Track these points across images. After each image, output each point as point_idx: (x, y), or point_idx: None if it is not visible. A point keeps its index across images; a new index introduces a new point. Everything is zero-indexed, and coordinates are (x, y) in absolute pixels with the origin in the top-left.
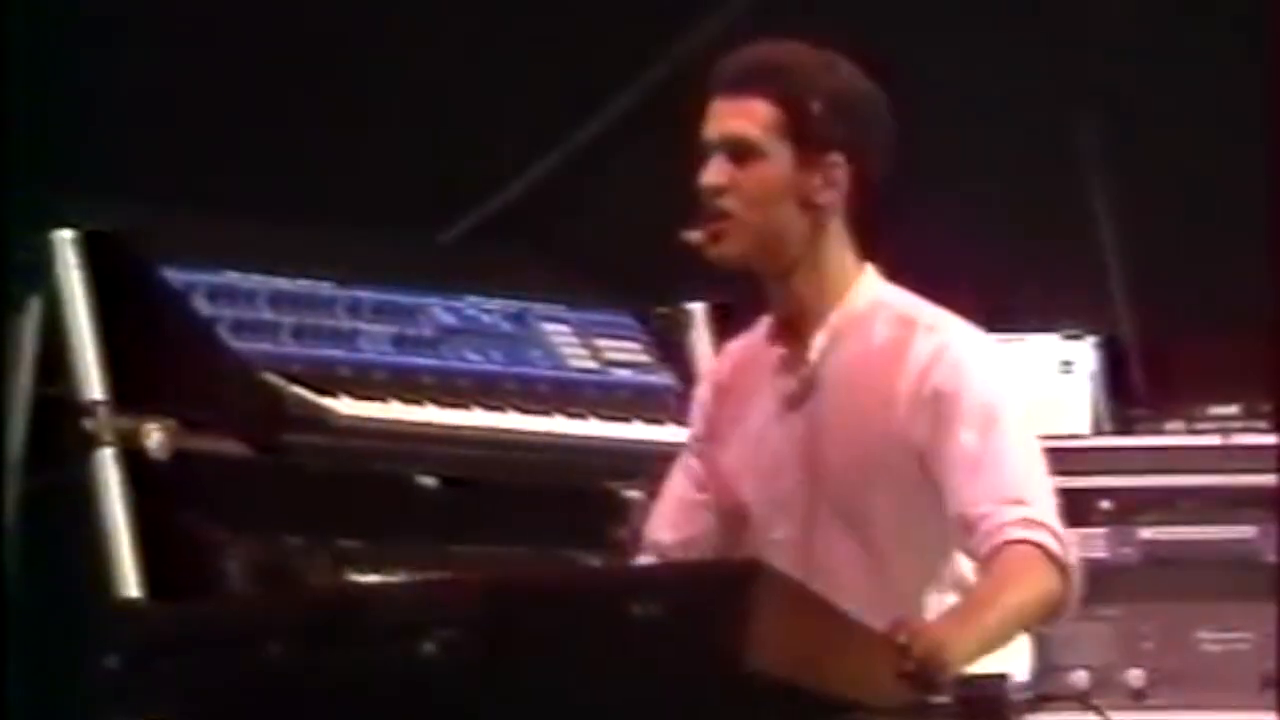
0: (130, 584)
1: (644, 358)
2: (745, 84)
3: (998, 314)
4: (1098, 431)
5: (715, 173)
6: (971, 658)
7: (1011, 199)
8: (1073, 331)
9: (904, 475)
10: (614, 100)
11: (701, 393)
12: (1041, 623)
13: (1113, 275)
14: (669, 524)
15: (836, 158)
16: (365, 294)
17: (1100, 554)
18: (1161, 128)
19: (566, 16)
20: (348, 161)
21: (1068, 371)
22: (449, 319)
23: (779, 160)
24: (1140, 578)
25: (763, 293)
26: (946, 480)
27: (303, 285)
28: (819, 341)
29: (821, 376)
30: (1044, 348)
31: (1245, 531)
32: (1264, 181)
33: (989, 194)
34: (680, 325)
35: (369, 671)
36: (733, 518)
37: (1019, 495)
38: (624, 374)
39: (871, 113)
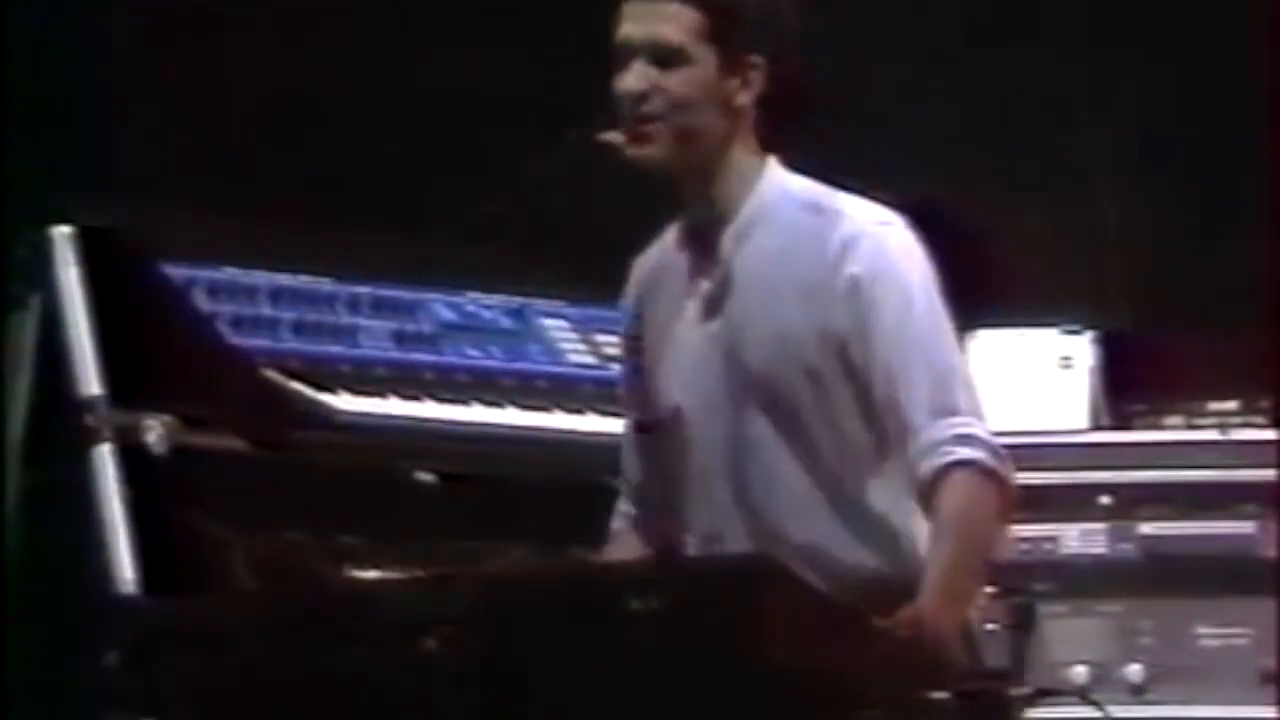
0: (129, 580)
1: None
2: None
3: (997, 308)
4: (1097, 427)
5: (637, 78)
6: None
7: (1011, 194)
8: (1072, 327)
9: (825, 367)
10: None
11: (625, 312)
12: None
13: (1112, 270)
14: (639, 462)
15: (756, 60)
16: (365, 290)
17: (1099, 549)
18: (1161, 123)
19: (566, 15)
20: (347, 158)
21: (1067, 367)
22: (449, 315)
23: (703, 65)
24: (1139, 573)
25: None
26: (874, 374)
27: (302, 281)
28: (728, 239)
29: (734, 274)
30: (1043, 343)
31: (1244, 527)
32: (1263, 176)
33: (989, 189)
34: None
35: (369, 667)
36: (670, 425)
37: (948, 403)
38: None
39: (786, 14)
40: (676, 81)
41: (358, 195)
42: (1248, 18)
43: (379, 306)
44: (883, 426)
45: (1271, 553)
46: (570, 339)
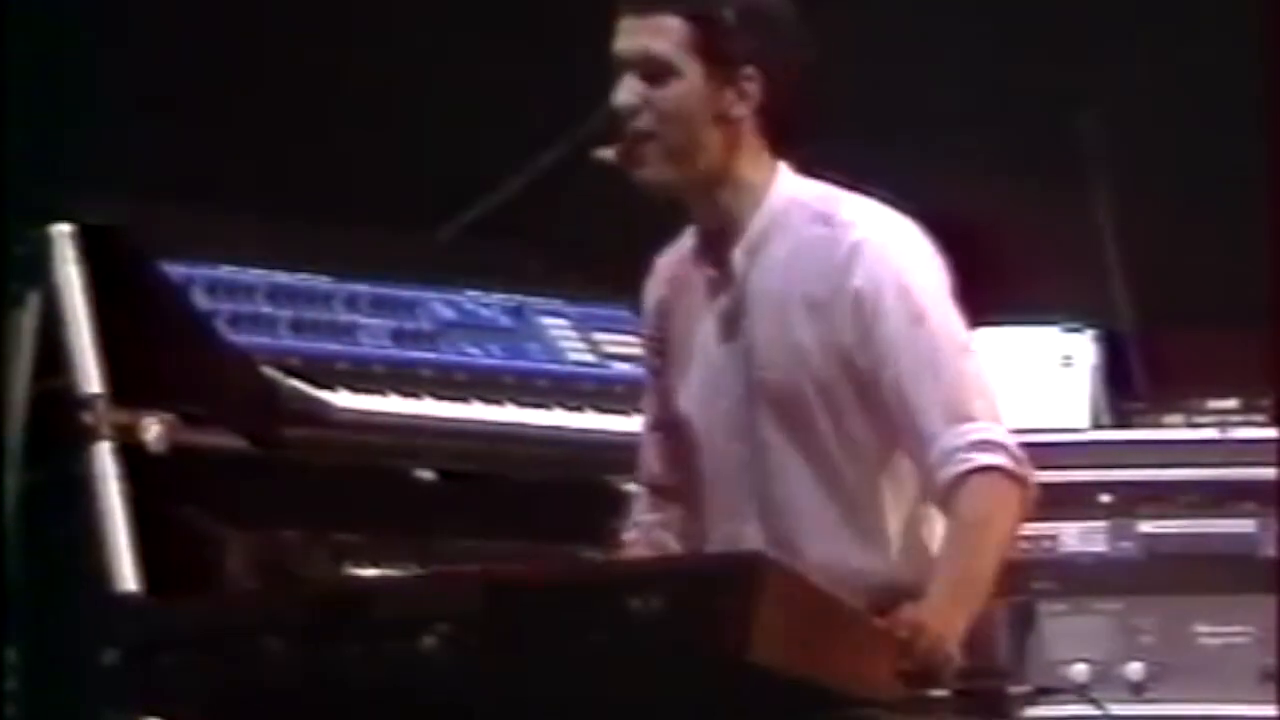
0: (128, 579)
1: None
2: (655, 0)
3: (998, 307)
4: (1097, 425)
5: (627, 92)
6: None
7: (1012, 192)
8: (1072, 325)
9: (836, 383)
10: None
11: (645, 314)
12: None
13: (1112, 269)
14: (659, 455)
15: (749, 70)
16: (363, 288)
17: (1099, 548)
18: (1161, 121)
19: (566, 14)
20: (347, 157)
21: (1067, 365)
22: (447, 313)
23: (692, 77)
24: (1139, 571)
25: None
26: (884, 386)
27: (301, 279)
28: (740, 254)
29: (749, 290)
30: (1044, 341)
31: (1244, 525)
32: (1263, 174)
33: (989, 187)
34: None
35: (369, 666)
36: (689, 437)
37: (964, 410)
38: (622, 367)
39: (782, 20)
40: (666, 95)
41: (357, 193)
42: (1249, 16)
43: (378, 304)
44: (891, 437)
45: (1271, 552)
46: (569, 337)
